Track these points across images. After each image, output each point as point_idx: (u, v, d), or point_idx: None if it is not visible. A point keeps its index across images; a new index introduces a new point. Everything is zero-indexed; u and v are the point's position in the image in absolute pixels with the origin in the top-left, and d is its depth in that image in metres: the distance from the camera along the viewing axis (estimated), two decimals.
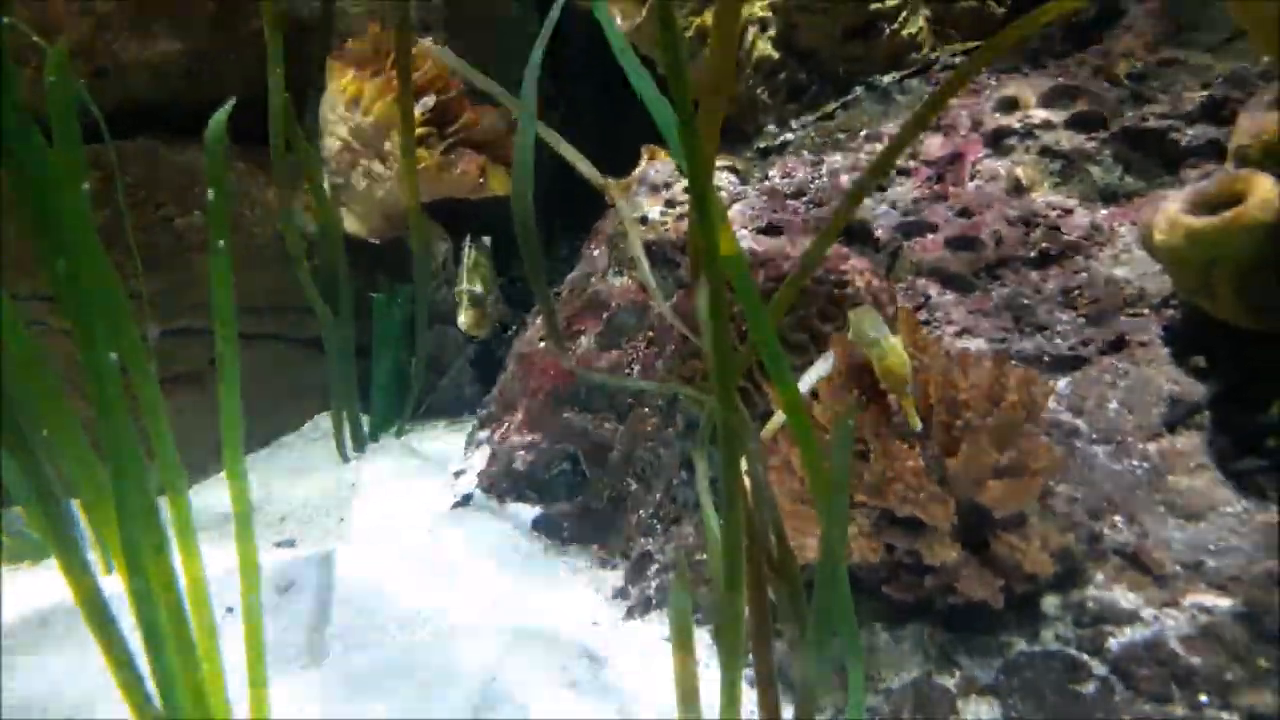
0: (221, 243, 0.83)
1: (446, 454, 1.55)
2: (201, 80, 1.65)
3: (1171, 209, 0.96)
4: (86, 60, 1.55)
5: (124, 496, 0.80)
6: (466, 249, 1.60)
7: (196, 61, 1.64)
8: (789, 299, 0.96)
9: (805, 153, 1.50)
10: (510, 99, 1.12)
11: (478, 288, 1.57)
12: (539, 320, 1.58)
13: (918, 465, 0.87)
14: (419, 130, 1.63)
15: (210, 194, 0.83)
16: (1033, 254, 1.22)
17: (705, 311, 0.81)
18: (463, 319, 1.56)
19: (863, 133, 1.48)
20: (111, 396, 0.77)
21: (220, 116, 0.84)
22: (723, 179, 1.53)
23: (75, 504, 1.32)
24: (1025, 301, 1.19)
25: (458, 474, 1.42)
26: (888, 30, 1.50)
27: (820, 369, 1.06)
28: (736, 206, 1.49)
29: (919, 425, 0.86)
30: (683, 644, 0.79)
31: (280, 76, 1.44)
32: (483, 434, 1.49)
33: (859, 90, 1.51)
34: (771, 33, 1.53)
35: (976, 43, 1.53)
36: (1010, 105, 1.38)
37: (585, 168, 1.16)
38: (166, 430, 0.94)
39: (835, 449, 0.76)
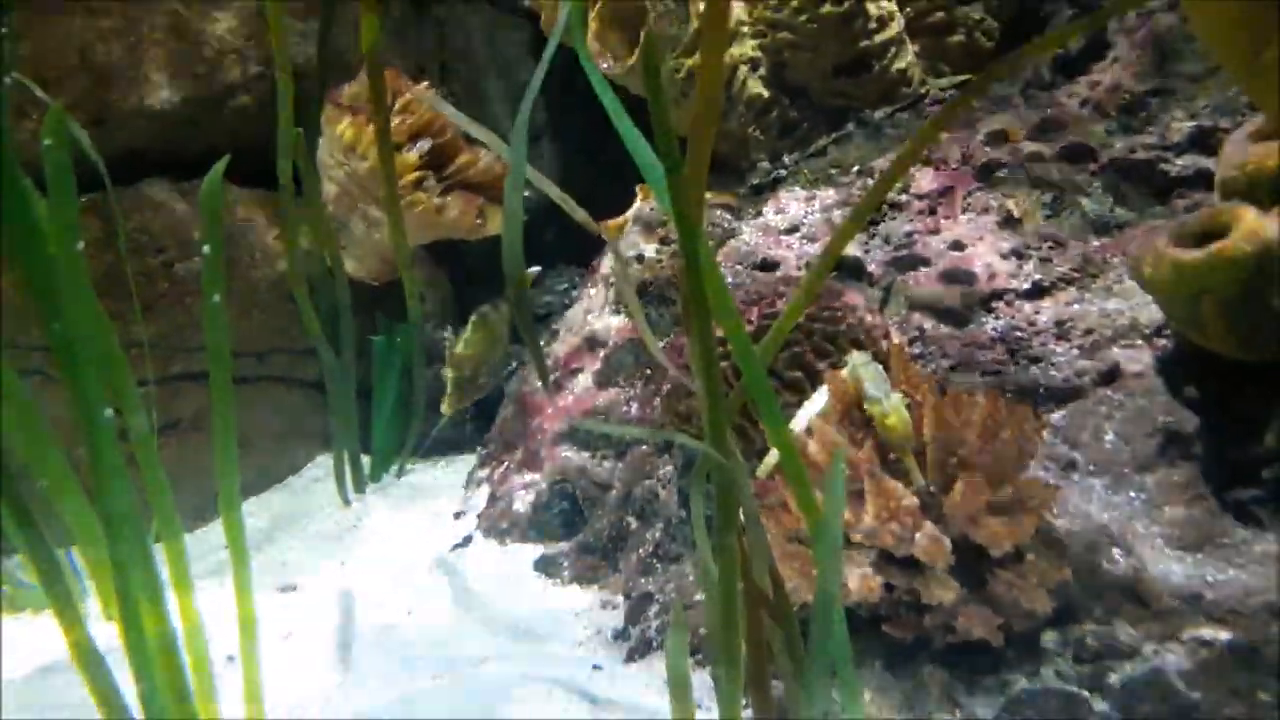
0: (217, 297, 0.84)
1: (447, 494, 1.56)
2: (201, 126, 1.67)
3: (1158, 242, 0.97)
4: (86, 111, 1.57)
5: (117, 548, 0.80)
6: (474, 320, 1.63)
7: (196, 108, 1.66)
8: (782, 337, 0.97)
9: (798, 188, 1.51)
10: (499, 144, 1.13)
11: (465, 371, 1.60)
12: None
13: (913, 504, 0.87)
14: (415, 174, 1.65)
15: (205, 249, 0.84)
16: (1026, 286, 1.23)
17: (695, 357, 0.82)
18: (445, 406, 1.60)
19: (855, 168, 1.49)
20: (104, 451, 0.78)
21: (215, 173, 0.86)
22: (718, 215, 1.54)
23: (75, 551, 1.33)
24: (1020, 334, 1.19)
25: (458, 515, 1.43)
26: (877, 66, 1.52)
27: (814, 406, 1.06)
28: (731, 243, 1.51)
29: (923, 483, 0.86)
30: (679, 693, 0.79)
31: (289, 117, 1.46)
32: (482, 473, 1.50)
33: (850, 126, 1.52)
34: (762, 72, 1.54)
35: (966, 76, 1.55)
36: (1000, 138, 1.39)
37: (576, 210, 1.17)
38: (163, 480, 0.94)
39: (828, 491, 0.76)
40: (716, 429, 0.80)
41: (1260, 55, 0.83)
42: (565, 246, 1.99)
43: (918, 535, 0.86)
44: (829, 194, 1.47)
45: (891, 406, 0.90)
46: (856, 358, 0.97)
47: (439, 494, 1.58)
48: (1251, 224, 0.90)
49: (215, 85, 1.67)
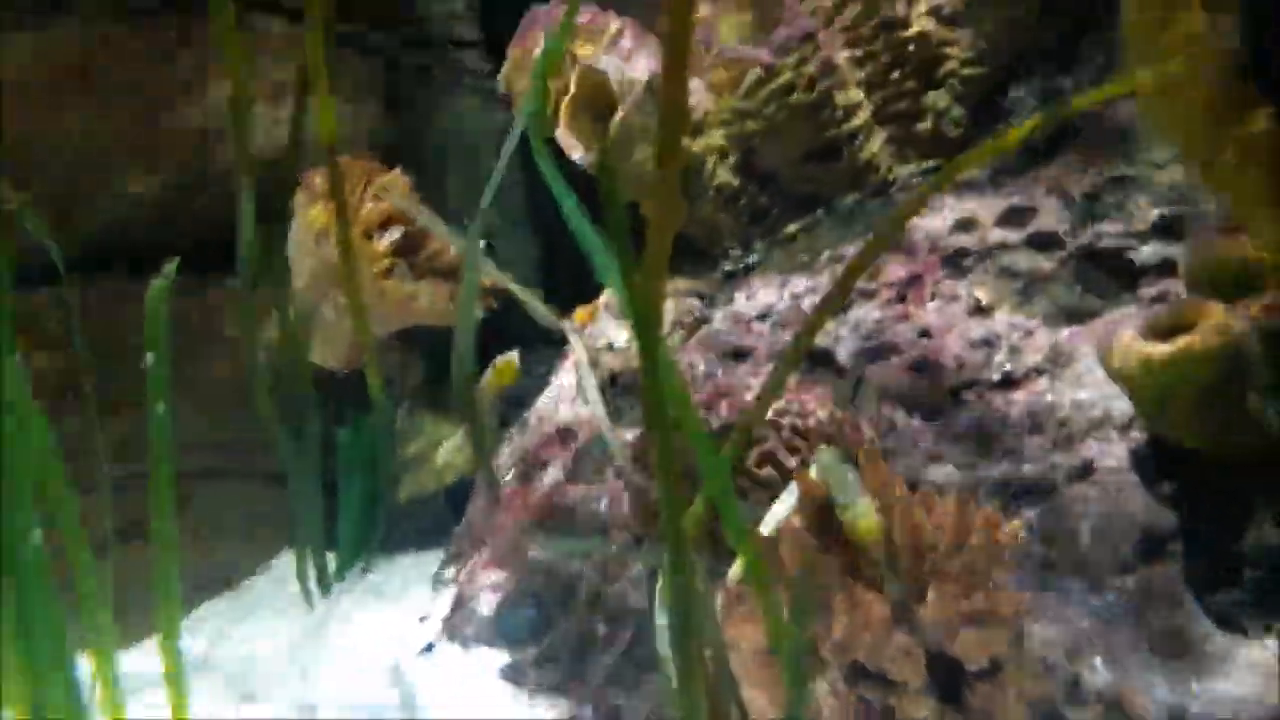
0: (161, 407, 0.81)
1: (413, 594, 1.51)
2: (171, 218, 1.67)
3: (1125, 336, 0.96)
4: (57, 201, 1.56)
5: (37, 662, 0.76)
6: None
7: (169, 198, 1.66)
8: (749, 435, 0.95)
9: (770, 275, 1.50)
10: (456, 237, 1.12)
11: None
12: (507, 450, 1.56)
13: (886, 616, 0.83)
14: (386, 261, 1.64)
15: (149, 358, 0.82)
16: (996, 377, 1.22)
17: (656, 466, 0.79)
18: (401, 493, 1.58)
19: (824, 254, 1.49)
20: (26, 567, 0.74)
21: (159, 284, 0.84)
22: (688, 303, 1.54)
23: None
24: (991, 427, 1.17)
25: (423, 619, 1.38)
26: (846, 153, 1.53)
27: (783, 507, 1.03)
28: (703, 330, 1.49)
29: (895, 590, 0.83)
30: None
31: (251, 213, 1.46)
32: (449, 572, 1.45)
33: (820, 212, 1.53)
34: (731, 160, 1.55)
35: (934, 162, 1.56)
36: (968, 225, 1.39)
37: (537, 307, 1.16)
38: (95, 593, 0.90)
39: (795, 609, 0.73)
40: (676, 544, 0.77)
41: (1216, 154, 0.83)
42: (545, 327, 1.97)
43: (890, 650, 0.82)
44: (800, 281, 1.47)
45: (862, 511, 0.87)
46: (825, 458, 0.94)
47: (406, 593, 1.54)
48: (1219, 319, 0.89)
49: (189, 174, 1.67)
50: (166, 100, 1.64)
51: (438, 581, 1.49)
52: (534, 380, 2.02)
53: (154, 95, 1.63)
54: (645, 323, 0.71)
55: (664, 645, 0.84)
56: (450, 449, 1.72)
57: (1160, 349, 0.90)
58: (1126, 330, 0.96)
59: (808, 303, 1.45)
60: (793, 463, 1.12)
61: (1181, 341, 0.89)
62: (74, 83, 1.57)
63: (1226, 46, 0.81)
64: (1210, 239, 0.96)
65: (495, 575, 1.33)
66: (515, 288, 1.06)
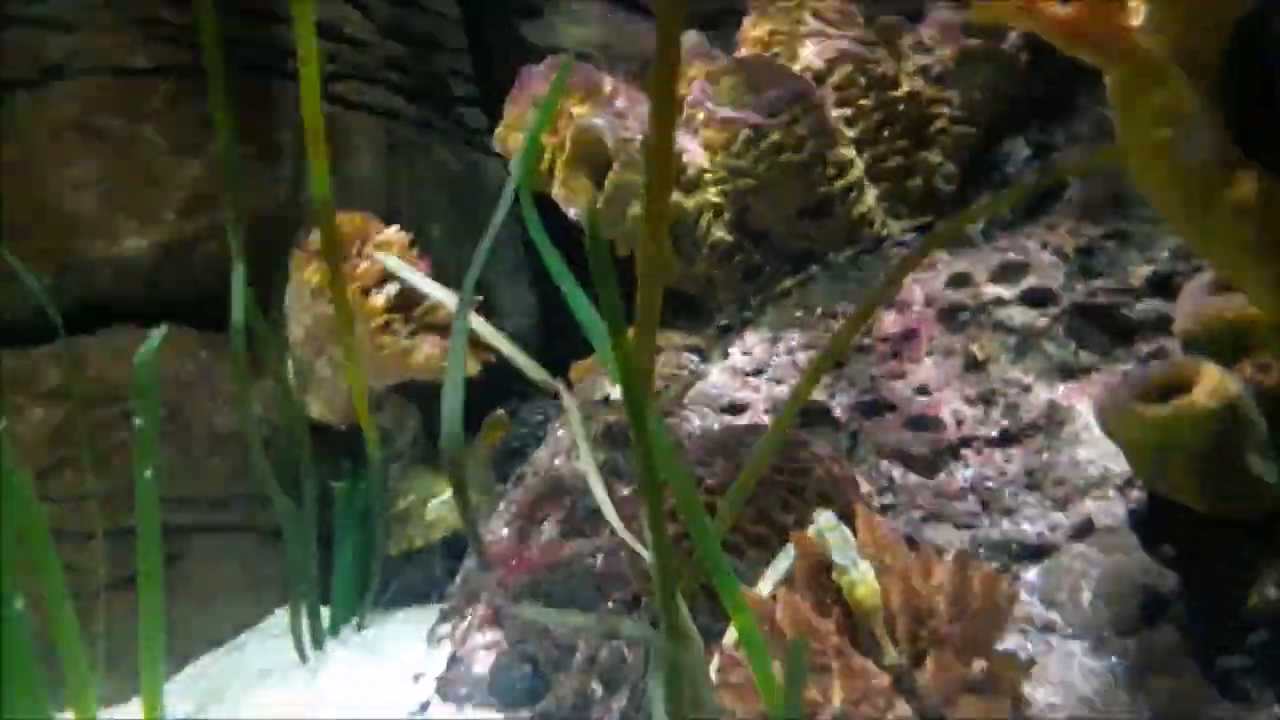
0: (149, 473, 0.80)
1: (408, 650, 1.49)
2: (168, 272, 1.67)
3: (1122, 395, 0.96)
4: (52, 258, 1.57)
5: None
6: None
7: (164, 255, 1.66)
8: (745, 495, 0.94)
9: (764, 330, 1.51)
10: (450, 297, 1.12)
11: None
12: (504, 505, 1.54)
13: (885, 683, 0.82)
14: (382, 318, 1.64)
15: (138, 421, 0.82)
16: (994, 433, 1.21)
17: (649, 532, 0.79)
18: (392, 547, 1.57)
19: (818, 310, 1.49)
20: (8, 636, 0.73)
21: (149, 347, 0.84)
22: (684, 358, 1.54)
23: None
24: (990, 484, 1.17)
25: (417, 677, 1.36)
26: (839, 210, 1.54)
27: (780, 568, 1.02)
28: (699, 385, 1.49)
29: (895, 658, 0.82)
30: None
31: (242, 271, 1.46)
32: (444, 628, 1.43)
33: (814, 268, 1.53)
34: (726, 217, 1.56)
35: (927, 218, 1.57)
36: (962, 280, 1.40)
37: (527, 364, 1.15)
38: (78, 651, 0.89)
39: (789, 681, 0.72)
40: (669, 610, 0.76)
41: (1205, 214, 0.83)
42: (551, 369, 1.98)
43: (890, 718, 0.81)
44: (794, 336, 1.47)
45: (860, 575, 0.86)
46: (823, 521, 0.93)
47: (400, 649, 1.51)
48: (1214, 380, 0.89)
49: (184, 232, 1.68)
50: (164, 158, 1.65)
51: (433, 638, 1.47)
52: (532, 430, 2.02)
53: (152, 153, 1.64)
54: (633, 390, 0.71)
55: (660, 712, 0.83)
56: (439, 505, 1.71)
57: (1157, 411, 0.89)
58: (1123, 388, 0.96)
59: (802, 358, 1.45)
60: (789, 520, 1.11)
61: (1179, 404, 0.89)
62: (73, 141, 1.59)
63: (1210, 111, 0.82)
64: (1204, 299, 0.96)
65: (490, 634, 1.32)
66: (505, 346, 1.05)
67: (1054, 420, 1.20)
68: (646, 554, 0.98)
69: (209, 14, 1.44)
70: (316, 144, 1.49)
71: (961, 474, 1.18)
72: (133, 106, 1.62)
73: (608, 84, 1.72)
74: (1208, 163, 0.81)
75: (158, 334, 0.85)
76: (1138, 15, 0.84)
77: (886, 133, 1.56)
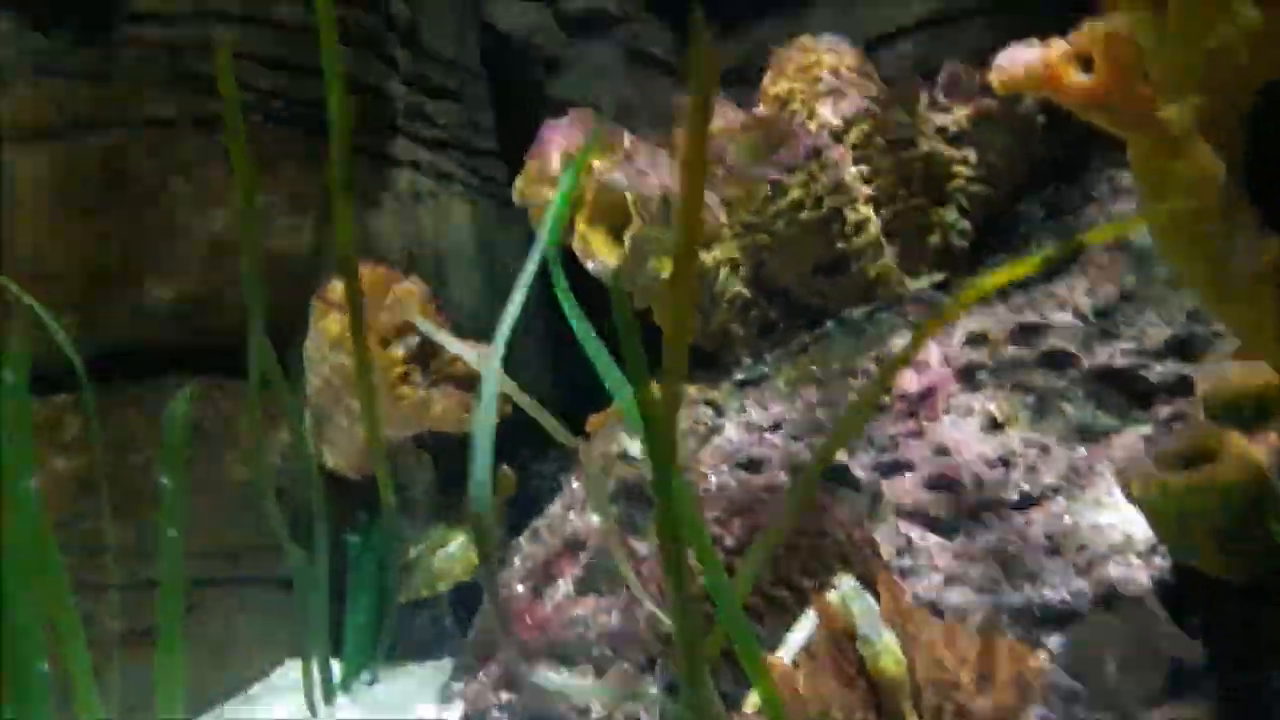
0: (173, 532, 0.81)
1: (420, 707, 1.47)
2: (190, 322, 1.69)
3: (1145, 462, 0.95)
4: (80, 310, 1.59)
5: None
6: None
7: (190, 305, 1.68)
8: (765, 558, 0.94)
9: (781, 385, 1.51)
10: (469, 351, 1.13)
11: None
12: (518, 560, 1.54)
13: None
14: (400, 369, 1.65)
15: (165, 481, 0.82)
16: (1015, 496, 1.21)
17: (670, 598, 0.78)
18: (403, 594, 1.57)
19: (835, 366, 1.49)
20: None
21: (178, 407, 0.85)
22: (700, 412, 1.54)
23: None
24: (1012, 548, 1.16)
25: None
26: (855, 267, 1.55)
27: (802, 634, 1.01)
28: (715, 440, 1.49)
29: None
30: None
31: (259, 327, 1.47)
32: (457, 686, 1.42)
33: (830, 325, 1.54)
34: (743, 272, 1.57)
35: (943, 275, 1.57)
36: (980, 339, 1.40)
37: (547, 420, 1.16)
38: (95, 706, 0.88)
39: None
40: (690, 674, 0.76)
41: (1227, 284, 0.84)
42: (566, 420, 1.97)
43: None
44: (811, 392, 1.47)
45: (884, 647, 0.85)
46: (846, 588, 0.93)
47: (412, 706, 1.50)
48: (1239, 450, 0.89)
49: (210, 282, 1.70)
50: (186, 208, 1.68)
51: (445, 695, 1.45)
52: (546, 483, 2.01)
53: (174, 204, 1.67)
54: (660, 453, 0.71)
55: None
56: (447, 556, 1.70)
57: (1180, 479, 0.89)
58: (1146, 454, 0.96)
59: (820, 414, 1.45)
60: (808, 584, 1.10)
61: (1203, 472, 0.88)
62: (97, 192, 1.62)
63: (1232, 180, 0.83)
64: (1226, 366, 0.96)
65: (503, 695, 1.30)
66: (528, 404, 1.06)
67: (1075, 484, 1.19)
68: (665, 616, 0.97)
69: (227, 67, 1.46)
70: (343, 197, 1.51)
71: (982, 537, 1.17)
72: (162, 157, 1.65)
73: (627, 139, 1.74)
74: (1229, 232, 0.81)
75: (184, 395, 0.85)
76: (1159, 86, 0.85)
77: (903, 191, 1.58)
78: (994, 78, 0.84)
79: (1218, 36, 0.79)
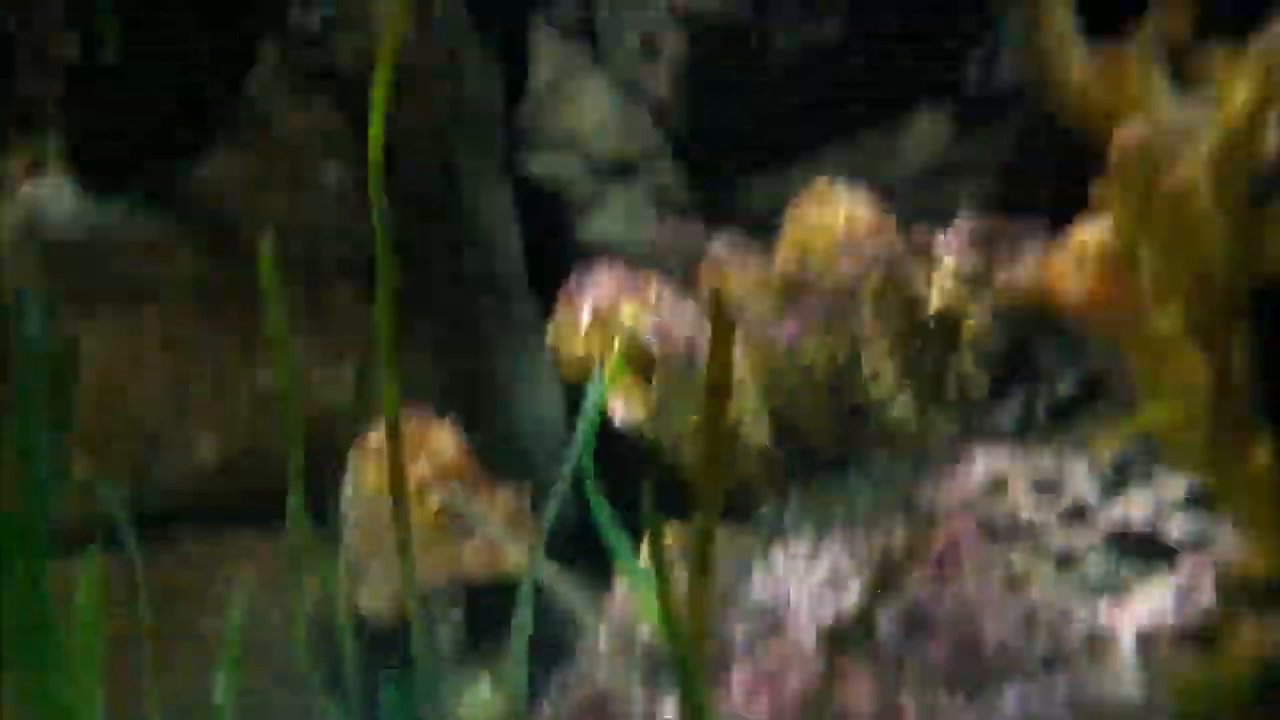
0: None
1: None
2: (241, 477, 1.75)
3: (1162, 641, 0.97)
4: (129, 469, 1.66)
5: None
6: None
7: (236, 460, 1.75)
8: None
9: (805, 535, 1.53)
10: (512, 541, 1.17)
11: None
12: (545, 708, 1.55)
13: None
14: (436, 518, 1.70)
15: (219, 679, 0.86)
16: (1038, 656, 1.21)
17: None
18: None
19: (860, 515, 1.52)
20: None
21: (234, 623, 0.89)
22: (724, 562, 1.56)
23: None
24: (1034, 710, 1.16)
25: None
26: (874, 416, 1.59)
27: None
28: (738, 590, 1.51)
29: None
30: None
31: (299, 488, 1.54)
32: None
33: (852, 473, 1.57)
34: (764, 421, 1.62)
35: (960, 423, 1.61)
36: (998, 488, 1.43)
37: (569, 594, 1.19)
38: None
39: None
40: None
41: (1226, 483, 0.87)
42: (585, 549, 1.99)
43: None
44: (836, 543, 1.49)
45: None
46: None
47: None
48: (1253, 639, 0.90)
49: (256, 436, 1.77)
50: (234, 370, 1.77)
51: None
52: (574, 629, 2.02)
53: (223, 367, 1.76)
54: (687, 669, 0.75)
55: None
56: (474, 706, 1.72)
57: (1194, 672, 0.90)
58: (1161, 635, 0.97)
59: (845, 564, 1.47)
60: None
61: (1216, 661, 0.90)
62: (153, 360, 1.71)
63: (1229, 382, 0.87)
64: (1237, 554, 0.98)
65: None
66: (550, 573, 1.10)
67: (1096, 646, 1.20)
68: None
69: (268, 238, 1.54)
70: (387, 354, 1.58)
71: (1010, 703, 1.18)
72: (208, 327, 1.75)
73: (654, 285, 1.82)
74: (1226, 434, 0.85)
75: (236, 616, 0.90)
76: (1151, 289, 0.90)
77: (919, 342, 1.63)
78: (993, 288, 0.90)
79: (1189, 248, 0.85)
